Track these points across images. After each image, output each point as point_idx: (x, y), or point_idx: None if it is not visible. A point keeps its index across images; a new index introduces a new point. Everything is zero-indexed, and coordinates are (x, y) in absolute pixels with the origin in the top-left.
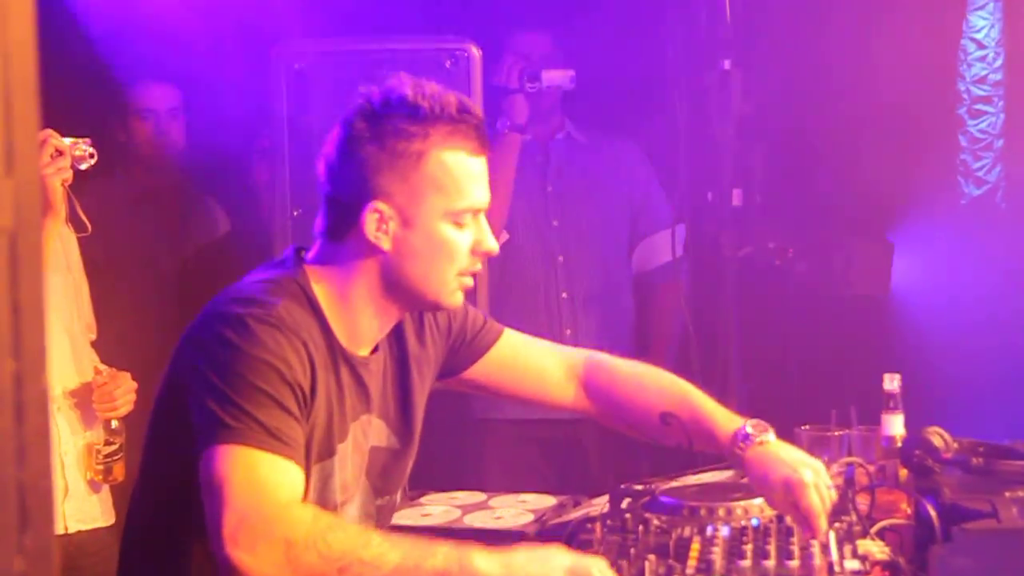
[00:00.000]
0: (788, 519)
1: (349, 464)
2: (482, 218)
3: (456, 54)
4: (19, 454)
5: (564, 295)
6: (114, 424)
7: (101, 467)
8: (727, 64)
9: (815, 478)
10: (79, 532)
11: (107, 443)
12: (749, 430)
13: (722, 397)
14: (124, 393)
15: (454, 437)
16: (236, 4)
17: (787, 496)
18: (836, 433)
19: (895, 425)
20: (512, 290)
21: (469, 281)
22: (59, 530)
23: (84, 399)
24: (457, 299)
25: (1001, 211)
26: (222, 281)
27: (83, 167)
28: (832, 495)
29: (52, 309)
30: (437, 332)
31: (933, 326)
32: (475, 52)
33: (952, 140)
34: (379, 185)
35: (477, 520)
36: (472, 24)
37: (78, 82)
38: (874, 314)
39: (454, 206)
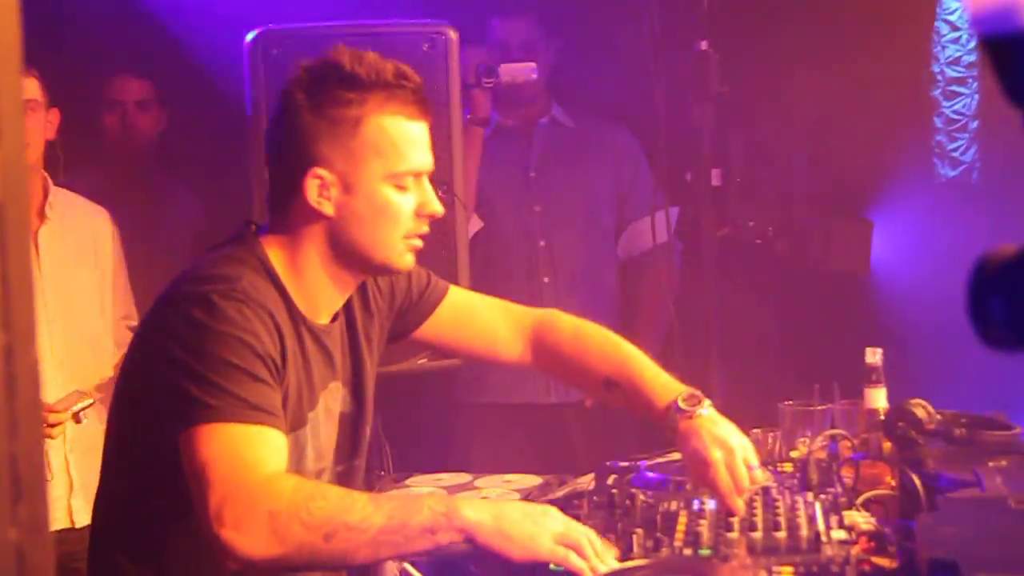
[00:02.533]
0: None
1: (322, 431)
2: (425, 181)
3: (433, 37)
4: (11, 427)
5: (546, 280)
6: None
7: None
8: (704, 45)
9: (726, 457)
10: (87, 526)
11: None
12: (681, 402)
13: (704, 374)
14: None
15: (439, 421)
16: None
17: (698, 472)
18: (819, 407)
19: (878, 398)
20: (493, 275)
21: (418, 243)
22: (66, 524)
23: (102, 390)
24: (406, 261)
25: (977, 190)
26: None
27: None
28: (757, 475)
29: (76, 304)
30: (381, 298)
31: (913, 301)
32: (452, 35)
33: (928, 121)
34: (318, 152)
35: None
36: (455, 7)
37: (53, 71)
38: (854, 290)
39: (394, 169)
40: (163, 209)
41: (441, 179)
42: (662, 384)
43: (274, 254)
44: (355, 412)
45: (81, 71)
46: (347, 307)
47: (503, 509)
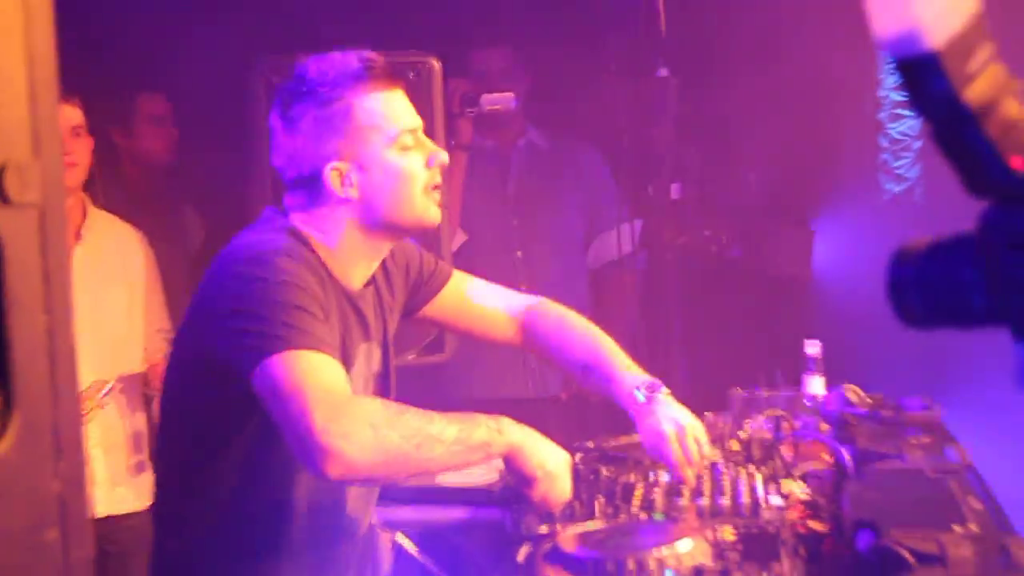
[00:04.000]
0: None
1: (359, 389)
2: (422, 136)
3: (419, 67)
4: (53, 397)
5: (523, 287)
6: None
7: None
8: (664, 72)
9: (678, 433)
10: (108, 516)
11: None
12: (642, 388)
13: (666, 366)
14: None
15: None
16: (220, 20)
17: (654, 446)
18: (765, 394)
19: (816, 385)
20: None
21: (437, 195)
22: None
23: (126, 393)
24: (434, 213)
25: (919, 206)
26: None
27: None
28: (706, 450)
29: (106, 319)
30: (398, 274)
31: (848, 301)
32: (436, 64)
33: (873, 141)
34: (326, 148)
35: (448, 479)
36: (436, 38)
37: (80, 88)
38: (797, 292)
39: (390, 133)
40: (176, 218)
41: None
42: (629, 373)
43: (309, 236)
44: (384, 371)
45: (101, 86)
46: (374, 275)
47: (533, 433)
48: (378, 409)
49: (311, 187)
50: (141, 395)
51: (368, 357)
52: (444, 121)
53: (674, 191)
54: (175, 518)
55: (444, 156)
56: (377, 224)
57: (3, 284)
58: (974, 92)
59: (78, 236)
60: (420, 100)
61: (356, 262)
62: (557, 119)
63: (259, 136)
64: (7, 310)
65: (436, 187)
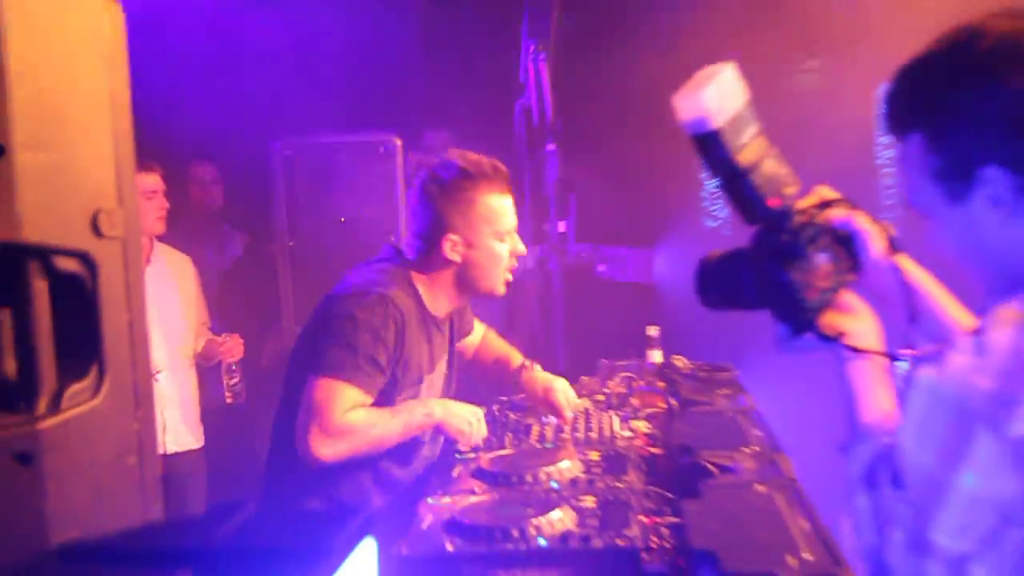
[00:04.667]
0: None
1: (436, 387)
2: (514, 233)
3: (386, 143)
4: (132, 366)
5: None
6: (234, 366)
7: (231, 392)
8: (551, 146)
9: (560, 387)
10: (175, 453)
11: (231, 376)
12: (525, 365)
13: (554, 347)
14: (237, 346)
15: None
16: (248, 107)
17: (545, 398)
18: (622, 363)
19: (656, 356)
20: None
21: (509, 276)
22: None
23: (180, 368)
24: (502, 287)
25: (729, 236)
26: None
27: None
28: (574, 400)
29: (168, 319)
30: (456, 316)
31: (678, 299)
32: (398, 142)
33: (698, 193)
34: (449, 223)
35: None
36: (399, 121)
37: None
38: (644, 293)
39: (498, 229)
40: (222, 246)
41: (390, 231)
42: (517, 359)
43: (416, 278)
44: (450, 371)
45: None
46: (452, 311)
47: (456, 406)
48: (355, 426)
49: (428, 244)
50: (192, 368)
51: (446, 362)
52: (403, 182)
53: (560, 226)
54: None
55: (524, 249)
56: (464, 283)
57: (98, 292)
58: (744, 156)
59: (148, 260)
60: (387, 167)
61: (443, 300)
62: None
63: (279, 192)
64: (101, 309)
65: (511, 270)
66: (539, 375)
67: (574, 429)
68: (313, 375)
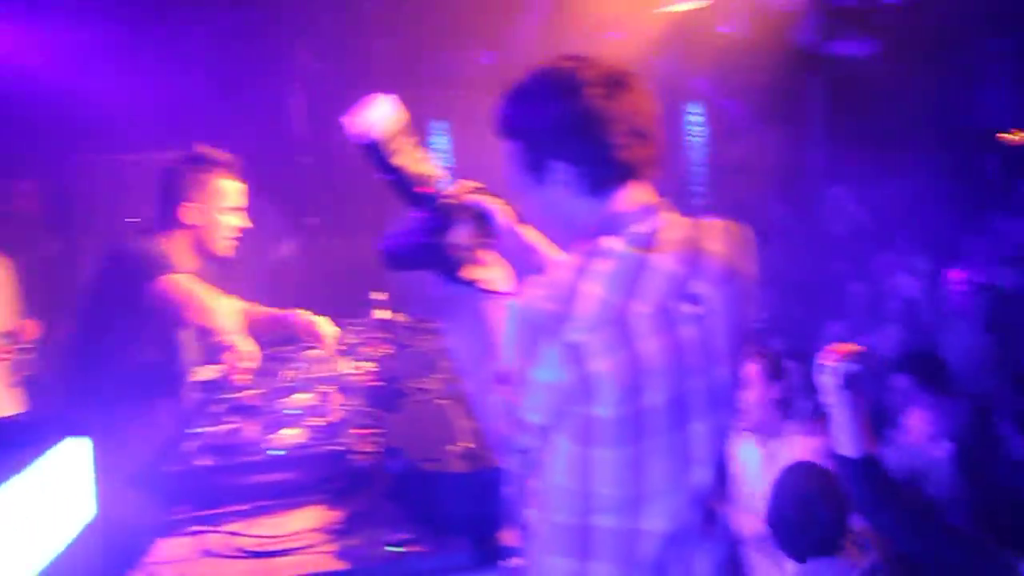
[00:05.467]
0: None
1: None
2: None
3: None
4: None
5: None
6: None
7: None
8: None
9: (325, 323)
10: None
11: None
12: (302, 316)
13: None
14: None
15: None
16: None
17: (308, 331)
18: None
19: (383, 314)
20: None
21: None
22: None
23: None
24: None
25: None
26: None
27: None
28: (334, 330)
29: None
30: None
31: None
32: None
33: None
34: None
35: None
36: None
37: None
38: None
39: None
40: None
41: None
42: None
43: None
44: None
45: None
46: None
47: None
48: None
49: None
50: None
51: None
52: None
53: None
54: None
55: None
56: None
57: None
58: (397, 159)
59: None
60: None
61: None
62: None
63: None
64: None
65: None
66: (305, 314)
67: (316, 369)
68: None
